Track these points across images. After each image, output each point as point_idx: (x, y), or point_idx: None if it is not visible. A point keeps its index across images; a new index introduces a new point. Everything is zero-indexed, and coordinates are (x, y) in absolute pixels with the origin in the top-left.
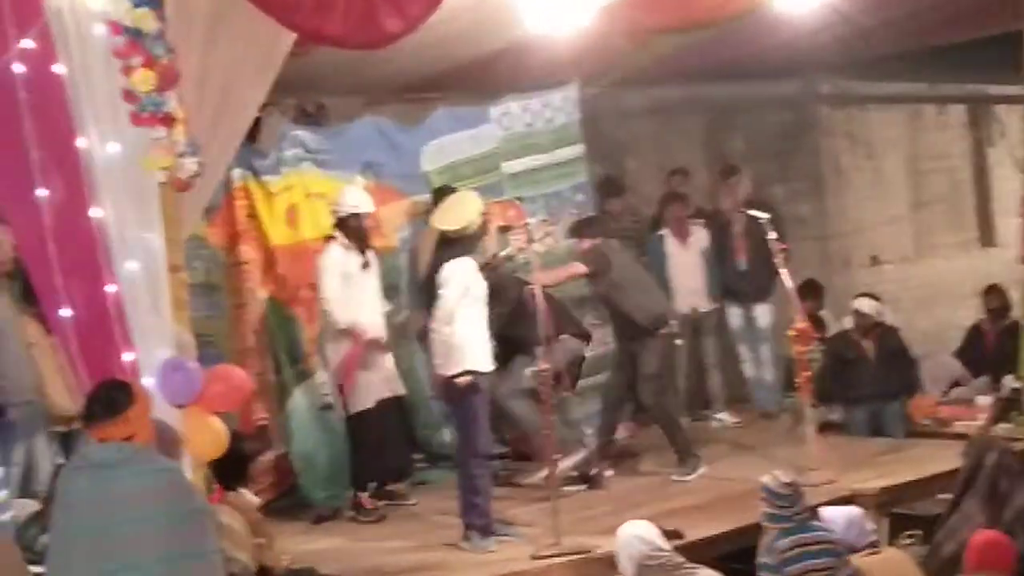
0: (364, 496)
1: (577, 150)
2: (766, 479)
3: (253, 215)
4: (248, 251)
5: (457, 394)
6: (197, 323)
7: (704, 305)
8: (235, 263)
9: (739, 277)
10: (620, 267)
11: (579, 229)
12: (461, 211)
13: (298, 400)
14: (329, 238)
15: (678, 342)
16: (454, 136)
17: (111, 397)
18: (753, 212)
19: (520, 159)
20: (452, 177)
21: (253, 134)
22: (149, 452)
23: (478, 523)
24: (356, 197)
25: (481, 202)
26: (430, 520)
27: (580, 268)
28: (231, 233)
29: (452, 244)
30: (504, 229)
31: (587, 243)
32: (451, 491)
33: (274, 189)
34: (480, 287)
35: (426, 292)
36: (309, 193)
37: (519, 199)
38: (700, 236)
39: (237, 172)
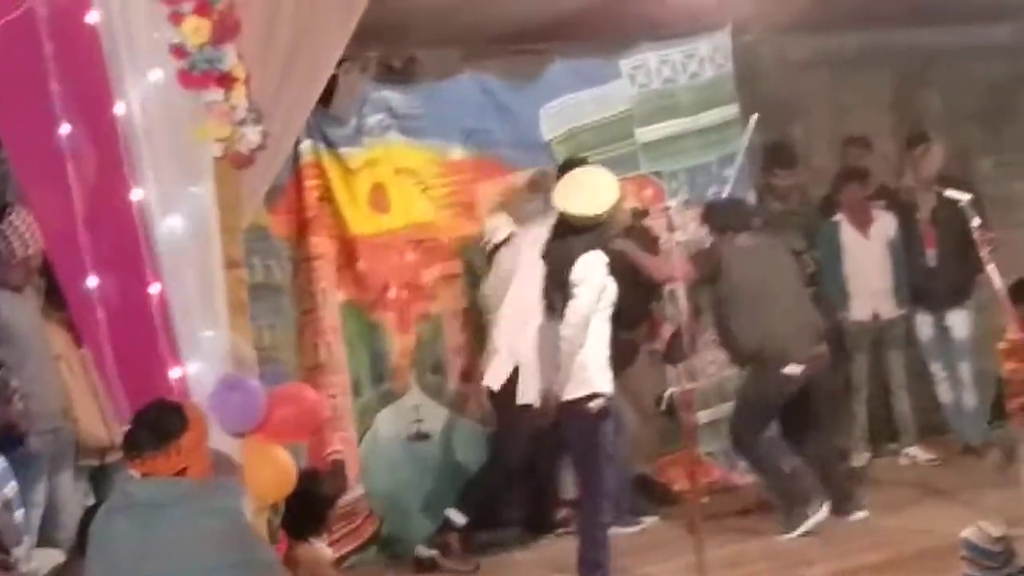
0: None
1: (730, 111)
2: (969, 532)
3: (327, 198)
4: (320, 243)
5: (584, 421)
6: (258, 333)
7: (889, 311)
8: (304, 258)
9: (927, 275)
10: (740, 275)
11: (706, 217)
12: (597, 193)
13: (382, 427)
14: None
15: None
16: (576, 96)
17: (160, 421)
18: (949, 192)
19: (657, 124)
20: (574, 147)
21: (327, 96)
22: (206, 489)
23: None
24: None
25: (618, 182)
26: None
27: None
28: (299, 221)
29: (579, 233)
30: (640, 214)
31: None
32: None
33: (354, 165)
34: (613, 290)
35: (550, 288)
36: (398, 169)
37: (657, 174)
38: (886, 223)
39: (307, 144)
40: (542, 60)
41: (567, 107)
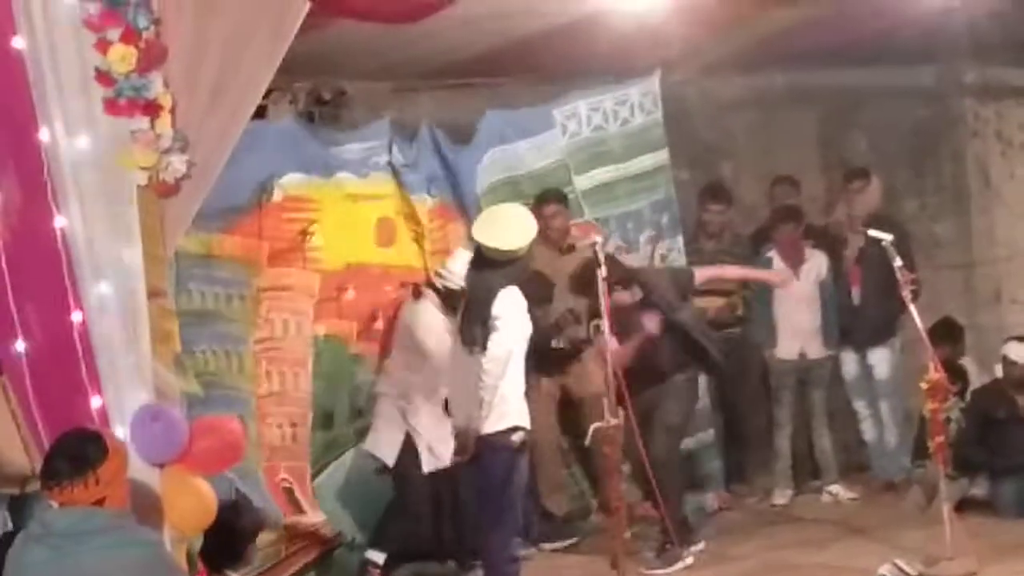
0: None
1: (660, 157)
2: (885, 569)
3: (310, 232)
4: (288, 275)
5: (503, 454)
6: (203, 359)
7: (816, 351)
8: (267, 287)
9: (851, 314)
10: None
11: None
12: (516, 227)
13: (349, 461)
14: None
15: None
16: (513, 146)
17: (79, 451)
18: (873, 231)
19: (590, 172)
20: (512, 194)
21: None
22: (124, 520)
23: None
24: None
25: (533, 218)
26: None
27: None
28: (271, 250)
29: (499, 267)
30: (567, 250)
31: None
32: None
33: (355, 192)
34: (529, 326)
35: (469, 322)
36: (399, 210)
37: (597, 220)
38: (818, 263)
39: (294, 177)
40: (468, 95)
41: (504, 155)
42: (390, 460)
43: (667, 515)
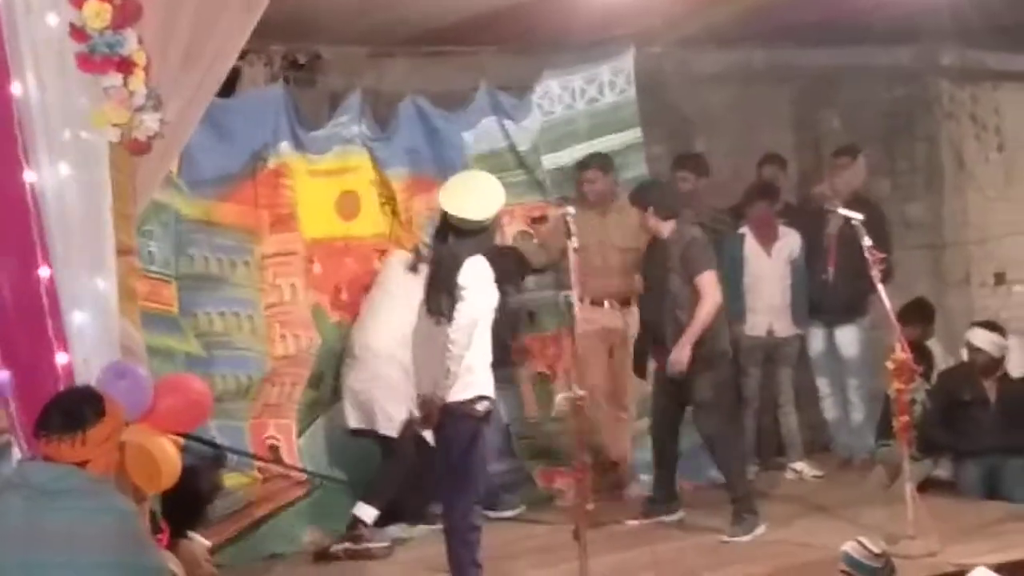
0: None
1: (632, 136)
2: (849, 546)
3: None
4: (292, 240)
5: (468, 423)
6: (207, 320)
7: (784, 329)
8: (272, 253)
9: (824, 290)
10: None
11: (643, 200)
12: (483, 197)
13: (335, 418)
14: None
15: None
16: (499, 120)
17: (74, 408)
18: (843, 211)
19: (561, 151)
20: (494, 165)
21: (229, 88)
22: (102, 486)
23: None
24: None
25: (501, 187)
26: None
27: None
28: (271, 217)
29: (466, 236)
30: (539, 220)
31: (667, 223)
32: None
33: (321, 168)
34: (495, 295)
35: (435, 292)
36: (372, 180)
37: (564, 199)
38: (790, 241)
39: (285, 144)
40: (444, 62)
41: (491, 128)
42: (351, 423)
43: (729, 488)
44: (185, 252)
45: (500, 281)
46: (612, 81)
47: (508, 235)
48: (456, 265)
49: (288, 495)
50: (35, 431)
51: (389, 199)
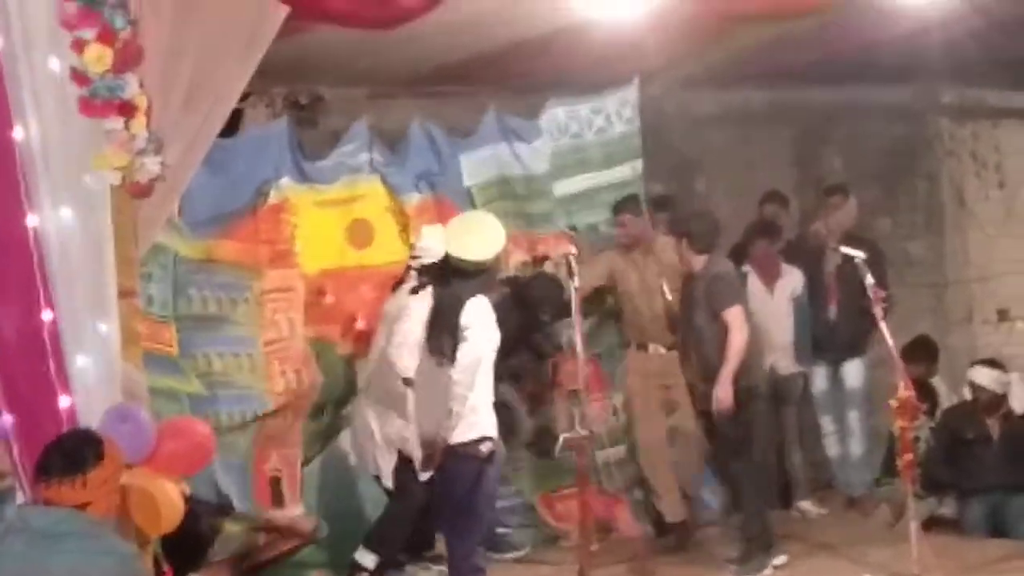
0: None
1: (636, 167)
2: None
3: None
4: (291, 276)
5: (471, 464)
6: (205, 361)
7: (786, 367)
8: (272, 288)
9: (827, 329)
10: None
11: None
12: (484, 238)
13: (330, 453)
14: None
15: None
16: (508, 146)
17: (75, 451)
18: (845, 249)
19: (569, 179)
20: (499, 194)
21: (231, 130)
22: (103, 528)
23: None
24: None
25: (502, 228)
26: None
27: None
28: (271, 253)
29: (468, 277)
30: (540, 260)
31: (700, 257)
32: None
33: (329, 198)
34: (496, 336)
35: (436, 333)
36: (387, 207)
37: (573, 228)
38: (792, 279)
39: (286, 180)
40: (445, 103)
41: (497, 154)
42: (366, 466)
43: (744, 527)
44: (184, 293)
45: (539, 305)
46: (619, 111)
47: (511, 264)
48: (458, 306)
49: (289, 544)
50: (35, 475)
51: (404, 227)
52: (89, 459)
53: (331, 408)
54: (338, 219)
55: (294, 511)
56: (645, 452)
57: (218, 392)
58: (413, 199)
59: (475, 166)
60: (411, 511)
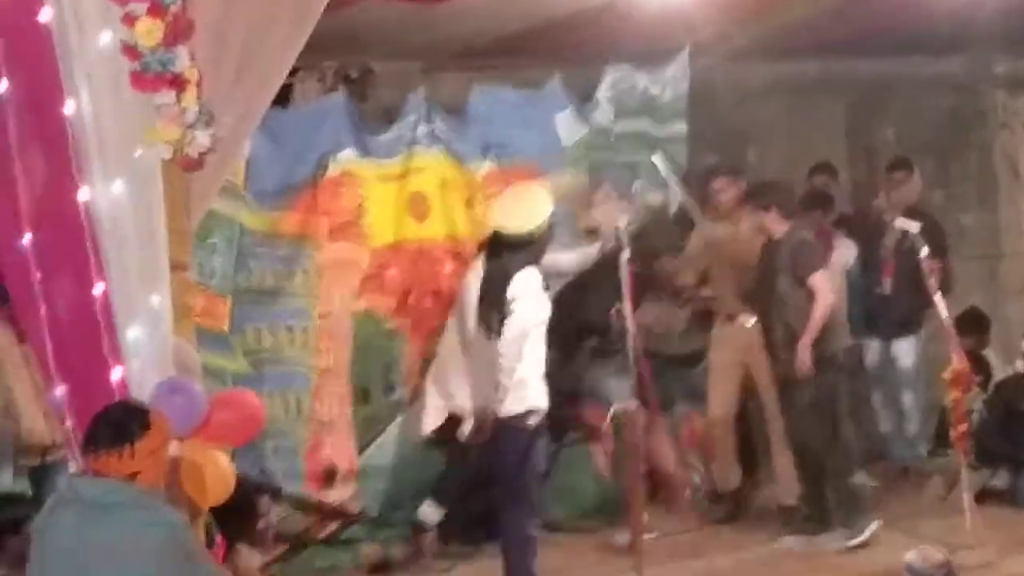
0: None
1: (680, 128)
2: (911, 557)
3: (360, 205)
4: (349, 250)
5: (520, 437)
6: (255, 336)
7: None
8: (328, 263)
9: (881, 303)
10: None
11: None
12: (527, 209)
13: (391, 436)
14: None
15: None
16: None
17: (120, 421)
18: (899, 221)
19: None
20: (592, 151)
21: (281, 104)
22: (153, 498)
23: None
24: None
25: (550, 198)
26: None
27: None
28: (331, 225)
29: (516, 249)
30: (589, 234)
31: (783, 224)
32: None
33: (391, 173)
34: (547, 307)
35: (486, 307)
36: (444, 181)
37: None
38: (845, 250)
39: (347, 152)
40: (497, 76)
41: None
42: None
43: (833, 491)
44: (246, 265)
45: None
46: (675, 77)
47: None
48: (506, 279)
49: (335, 524)
50: (83, 447)
51: (469, 199)
52: (135, 430)
53: (376, 392)
54: (400, 193)
55: (346, 493)
56: (710, 422)
57: (264, 371)
58: (482, 168)
59: (569, 124)
60: (465, 461)
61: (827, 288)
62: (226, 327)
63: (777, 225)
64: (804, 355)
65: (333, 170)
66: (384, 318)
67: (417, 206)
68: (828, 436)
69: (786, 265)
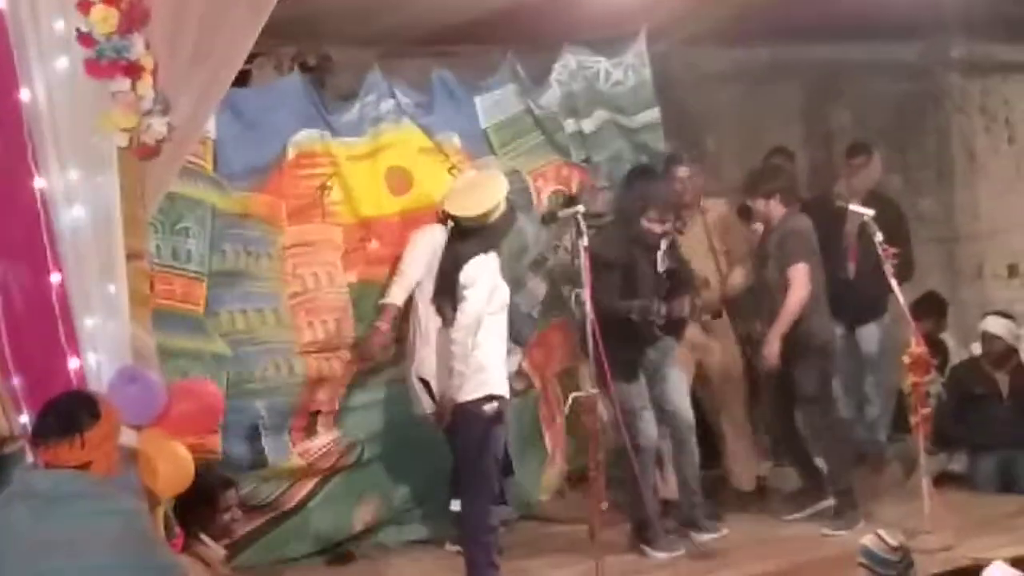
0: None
1: (652, 115)
2: (868, 540)
3: (330, 186)
4: (315, 230)
5: (478, 424)
6: (229, 318)
7: None
8: (293, 244)
9: (845, 289)
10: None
11: (769, 185)
12: (483, 193)
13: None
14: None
15: None
16: (520, 87)
17: (69, 411)
18: (853, 207)
19: (588, 118)
20: (515, 134)
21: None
22: (107, 487)
23: None
24: None
25: (506, 183)
26: None
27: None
28: (290, 208)
29: (470, 236)
30: (549, 219)
31: (780, 210)
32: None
33: (361, 151)
34: (504, 292)
35: (440, 294)
36: (422, 149)
37: (586, 161)
38: None
39: (304, 134)
40: (454, 62)
41: (507, 95)
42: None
43: (831, 482)
44: (219, 248)
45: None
46: (633, 64)
47: (543, 197)
48: (457, 266)
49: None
50: (32, 438)
51: (451, 167)
52: (85, 418)
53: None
54: (374, 169)
55: (326, 439)
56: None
57: (241, 350)
58: (453, 140)
59: (490, 107)
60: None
61: (803, 280)
62: (202, 310)
63: (777, 212)
64: (770, 348)
65: (291, 152)
66: (379, 287)
67: (396, 180)
68: (829, 424)
69: (774, 253)
